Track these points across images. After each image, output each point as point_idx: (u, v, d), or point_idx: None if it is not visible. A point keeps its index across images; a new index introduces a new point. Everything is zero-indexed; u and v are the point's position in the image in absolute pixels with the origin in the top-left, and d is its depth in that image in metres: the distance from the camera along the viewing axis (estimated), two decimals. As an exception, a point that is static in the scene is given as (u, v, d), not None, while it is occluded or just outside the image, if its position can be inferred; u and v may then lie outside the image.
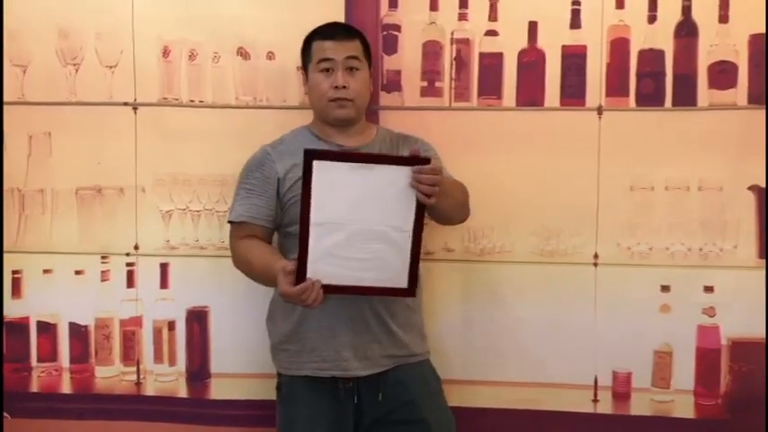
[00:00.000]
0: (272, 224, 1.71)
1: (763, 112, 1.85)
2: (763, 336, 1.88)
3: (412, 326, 1.74)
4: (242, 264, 1.72)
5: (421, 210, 1.54)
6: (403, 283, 1.57)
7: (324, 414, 1.67)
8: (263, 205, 1.69)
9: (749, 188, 1.89)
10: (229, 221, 1.74)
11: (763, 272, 1.88)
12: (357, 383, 1.67)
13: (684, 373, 1.92)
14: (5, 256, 1.99)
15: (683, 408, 1.92)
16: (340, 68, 1.67)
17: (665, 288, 1.90)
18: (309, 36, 1.74)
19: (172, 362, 2.01)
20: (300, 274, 1.52)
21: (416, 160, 1.52)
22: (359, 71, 1.70)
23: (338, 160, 1.53)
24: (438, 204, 1.56)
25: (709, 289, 1.89)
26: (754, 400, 1.89)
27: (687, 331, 1.92)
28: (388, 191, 1.52)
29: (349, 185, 1.51)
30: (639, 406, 1.93)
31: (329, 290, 1.55)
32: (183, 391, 2.01)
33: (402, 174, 1.51)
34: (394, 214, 1.54)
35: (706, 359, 1.91)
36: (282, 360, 1.73)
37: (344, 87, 1.67)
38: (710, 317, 1.90)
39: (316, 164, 1.49)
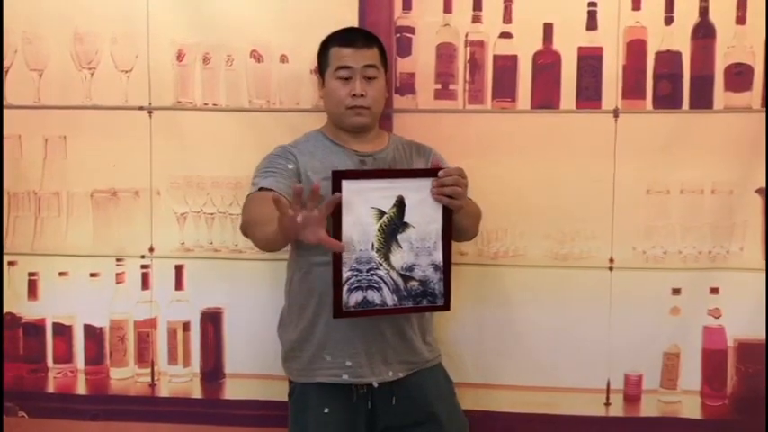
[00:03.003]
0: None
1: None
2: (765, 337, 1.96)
3: (425, 331, 1.81)
4: (250, 212, 1.66)
5: (448, 219, 1.61)
6: (438, 298, 1.65)
7: (337, 420, 1.72)
8: (286, 182, 1.68)
9: (756, 191, 1.95)
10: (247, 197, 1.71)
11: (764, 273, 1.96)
12: (370, 389, 1.73)
13: (691, 373, 2.00)
14: (22, 258, 2.10)
15: (691, 408, 2.02)
16: (358, 77, 1.73)
17: (676, 291, 1.98)
18: (327, 41, 1.79)
19: (186, 363, 2.10)
20: (337, 297, 1.59)
21: (440, 171, 1.59)
22: (376, 79, 1.76)
23: (365, 178, 1.60)
24: (458, 222, 1.64)
25: (714, 290, 1.97)
26: (760, 401, 1.97)
27: (695, 333, 2.00)
28: (416, 204, 1.59)
29: (378, 202, 1.58)
30: (648, 407, 2.02)
31: (365, 313, 1.62)
32: (197, 392, 2.11)
33: (428, 185, 1.59)
34: (423, 227, 1.61)
35: (712, 360, 2.00)
36: (294, 367, 1.78)
37: (362, 96, 1.73)
38: (716, 318, 1.98)
39: (345, 184, 1.54)
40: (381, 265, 1.61)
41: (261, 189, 1.67)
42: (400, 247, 1.62)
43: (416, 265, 1.63)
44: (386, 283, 1.62)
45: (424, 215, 1.61)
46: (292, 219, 1.40)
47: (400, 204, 1.59)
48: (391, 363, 1.74)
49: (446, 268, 1.64)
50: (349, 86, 1.74)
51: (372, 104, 1.76)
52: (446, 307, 1.67)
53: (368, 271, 1.60)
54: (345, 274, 1.59)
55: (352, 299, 1.60)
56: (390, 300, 1.62)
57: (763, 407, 1.97)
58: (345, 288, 1.59)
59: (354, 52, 1.75)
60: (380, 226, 1.60)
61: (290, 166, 1.72)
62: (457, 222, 1.66)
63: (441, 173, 1.58)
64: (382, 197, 1.59)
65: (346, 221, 1.56)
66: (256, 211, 1.63)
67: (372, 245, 1.60)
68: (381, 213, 1.59)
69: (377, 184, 1.59)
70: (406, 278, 1.63)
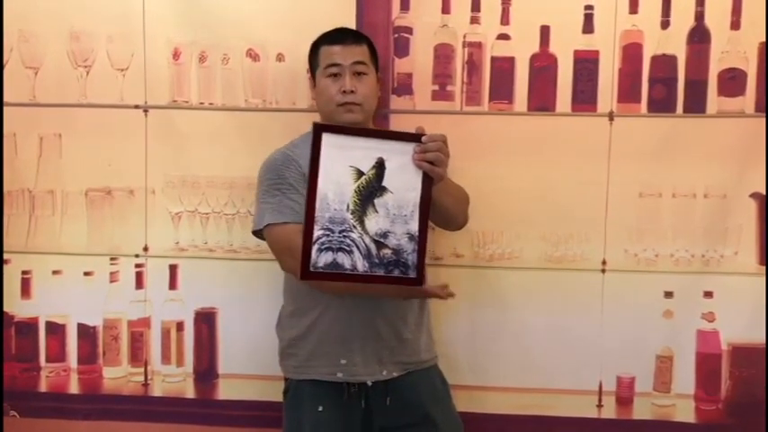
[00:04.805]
0: None
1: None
2: (764, 341, 2.00)
3: (421, 332, 1.84)
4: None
5: (428, 189, 1.58)
6: (411, 269, 1.59)
7: (331, 419, 1.75)
8: (301, 200, 1.64)
9: (751, 195, 1.99)
10: (268, 225, 1.70)
11: (764, 278, 1.99)
12: (365, 388, 1.76)
13: (685, 377, 2.04)
14: (15, 256, 2.11)
15: (684, 412, 2.05)
16: (347, 73, 1.76)
17: (669, 294, 2.02)
18: (317, 41, 1.82)
19: (180, 363, 2.12)
20: (305, 257, 1.53)
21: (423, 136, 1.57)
22: (366, 76, 1.78)
23: (348, 135, 1.57)
24: (439, 199, 1.63)
25: (708, 294, 2.01)
26: (754, 405, 2.01)
27: (689, 336, 2.03)
28: (396, 169, 1.56)
29: (358, 161, 1.55)
30: (641, 410, 2.05)
31: (333, 277, 1.56)
32: (190, 392, 2.13)
33: (410, 150, 1.57)
34: (402, 193, 1.58)
35: (706, 364, 2.04)
36: (290, 364, 1.82)
37: (352, 92, 1.75)
38: (710, 322, 2.02)
39: (325, 137, 1.53)
40: (355, 227, 1.55)
41: (283, 222, 1.68)
42: (376, 211, 1.56)
43: (391, 233, 1.57)
44: (358, 247, 1.56)
45: (404, 181, 1.57)
46: None
47: (380, 166, 1.56)
48: (386, 363, 1.78)
49: (421, 241, 1.58)
50: (339, 83, 1.76)
51: (363, 101, 1.78)
52: (418, 281, 1.61)
53: (340, 232, 1.54)
54: (317, 232, 1.53)
55: (322, 259, 1.54)
56: (361, 265, 1.56)
57: (762, 412, 2.00)
58: (315, 247, 1.53)
59: (343, 49, 1.78)
60: (358, 187, 1.55)
61: (298, 170, 1.73)
62: (438, 200, 1.64)
63: (424, 138, 1.57)
64: (362, 157, 1.55)
65: (323, 177, 1.53)
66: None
67: (348, 206, 1.54)
68: (360, 174, 1.55)
69: (358, 143, 1.55)
70: (379, 245, 1.57)
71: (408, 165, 1.57)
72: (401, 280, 1.61)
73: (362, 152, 1.56)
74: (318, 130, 1.54)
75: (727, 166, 1.99)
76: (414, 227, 1.59)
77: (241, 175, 2.01)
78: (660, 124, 2.00)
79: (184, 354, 2.13)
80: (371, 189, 1.56)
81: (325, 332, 1.77)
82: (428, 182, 1.58)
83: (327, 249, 1.55)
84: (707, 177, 2.00)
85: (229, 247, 2.09)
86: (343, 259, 1.56)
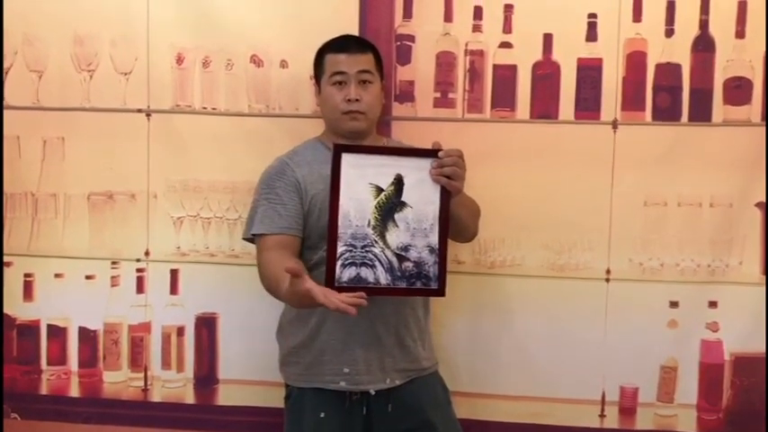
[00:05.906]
0: (300, 233, 1.76)
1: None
2: (764, 351, 1.98)
3: (423, 339, 1.85)
4: (265, 279, 1.72)
5: (446, 201, 1.65)
6: (432, 281, 1.67)
7: (333, 426, 1.76)
8: (290, 214, 1.75)
9: (756, 205, 1.98)
10: (253, 234, 1.77)
11: (764, 288, 1.98)
12: (367, 396, 1.77)
13: (688, 387, 2.03)
14: (18, 259, 2.13)
15: (686, 422, 2.04)
16: (352, 82, 1.78)
17: (674, 304, 2.01)
18: (322, 49, 1.84)
19: (180, 368, 2.13)
20: (330, 272, 1.60)
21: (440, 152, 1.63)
22: (371, 84, 1.80)
23: (366, 153, 1.65)
24: (455, 211, 1.68)
25: (713, 304, 2.00)
26: (754, 415, 2.00)
27: (693, 346, 2.02)
28: (414, 184, 1.64)
29: (377, 179, 1.63)
30: (644, 420, 2.04)
31: (357, 291, 1.60)
32: (190, 398, 2.14)
33: (427, 165, 1.63)
34: (421, 207, 1.65)
35: (709, 374, 2.03)
36: (292, 372, 1.82)
37: (357, 100, 1.77)
38: (713, 332, 2.01)
39: (344, 157, 1.61)
40: (377, 242, 1.64)
41: (266, 235, 1.74)
42: (397, 226, 1.64)
43: (412, 246, 1.65)
44: (380, 261, 1.64)
45: (422, 195, 1.65)
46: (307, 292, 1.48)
47: (398, 183, 1.63)
48: (389, 371, 1.78)
49: (442, 252, 1.66)
50: (344, 92, 1.78)
51: (368, 109, 1.79)
52: (440, 292, 1.68)
53: (362, 248, 1.63)
54: (340, 248, 1.61)
55: (346, 274, 1.62)
56: (384, 279, 1.64)
57: (763, 421, 1.99)
58: (339, 263, 1.61)
59: (348, 57, 1.79)
60: (378, 203, 1.63)
61: (290, 180, 1.77)
62: (454, 212, 1.69)
63: (441, 153, 1.63)
64: (381, 174, 1.63)
65: (344, 195, 1.61)
66: (268, 273, 1.69)
67: (369, 222, 1.63)
68: (379, 190, 1.63)
69: (376, 161, 1.64)
70: (400, 258, 1.65)
71: (426, 179, 1.64)
72: (424, 291, 1.70)
73: (381, 169, 1.63)
74: (338, 150, 1.61)
75: (732, 176, 1.98)
76: (434, 239, 1.66)
77: (243, 179, 2.02)
78: (665, 132, 2.00)
79: (184, 359, 2.13)
80: (391, 204, 1.64)
81: (327, 340, 1.77)
82: (446, 195, 1.65)
83: (351, 264, 1.63)
84: (712, 186, 1.99)
85: (231, 252, 2.09)
86: (367, 273, 1.64)
